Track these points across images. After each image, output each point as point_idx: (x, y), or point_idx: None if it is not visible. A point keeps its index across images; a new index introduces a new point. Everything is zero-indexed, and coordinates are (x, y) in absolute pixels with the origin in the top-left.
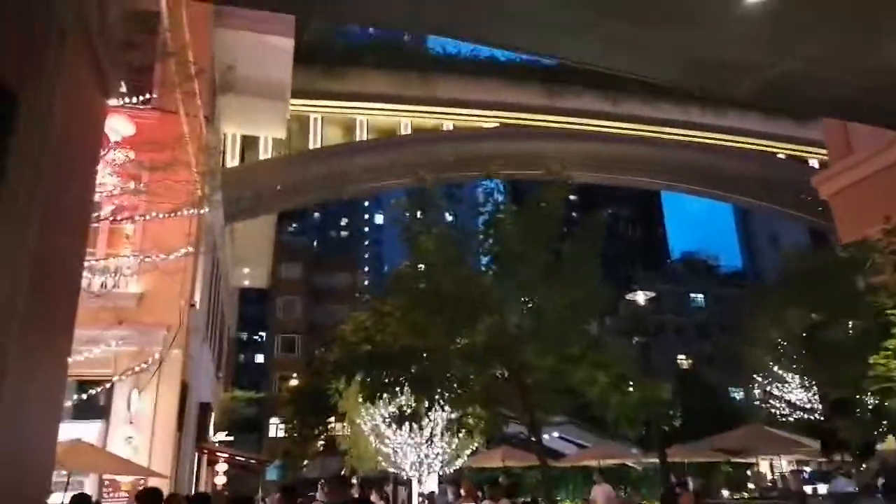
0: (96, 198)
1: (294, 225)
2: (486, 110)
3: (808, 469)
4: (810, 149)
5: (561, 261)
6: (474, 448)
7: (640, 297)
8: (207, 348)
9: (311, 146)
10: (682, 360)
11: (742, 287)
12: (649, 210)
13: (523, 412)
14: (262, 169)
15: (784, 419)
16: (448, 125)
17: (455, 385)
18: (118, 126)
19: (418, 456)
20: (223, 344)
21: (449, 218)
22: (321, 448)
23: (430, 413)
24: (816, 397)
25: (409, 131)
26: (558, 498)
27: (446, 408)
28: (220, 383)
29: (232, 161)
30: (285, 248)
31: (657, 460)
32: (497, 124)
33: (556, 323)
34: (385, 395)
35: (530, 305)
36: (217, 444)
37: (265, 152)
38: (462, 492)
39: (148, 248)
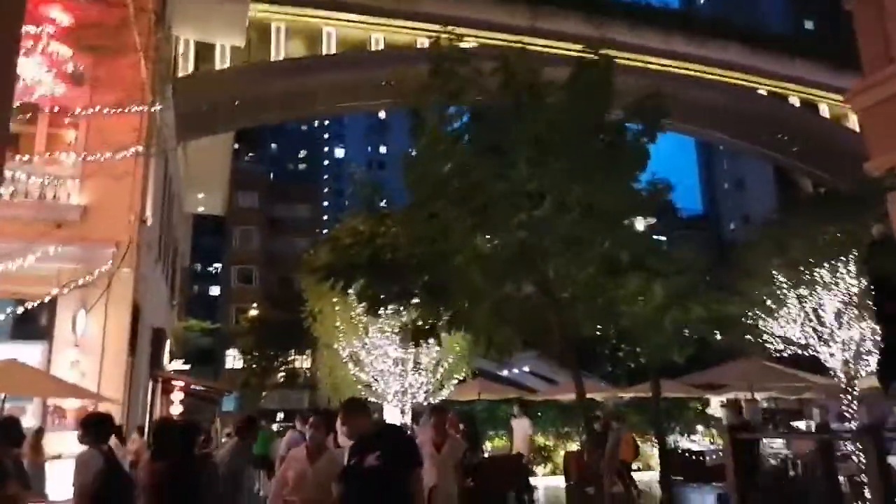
0: (35, 97)
1: (250, 154)
2: (467, 28)
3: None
4: (791, 86)
5: (613, 148)
6: (461, 378)
7: (640, 223)
8: (160, 270)
9: (272, 59)
10: None
11: (704, 231)
12: None
13: (542, 334)
14: (219, 79)
15: (778, 354)
16: (423, 43)
17: (471, 298)
18: (54, 14)
19: (402, 385)
20: (176, 270)
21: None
22: (281, 380)
23: (441, 331)
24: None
25: (381, 47)
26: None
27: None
28: (173, 311)
29: (185, 71)
30: (242, 175)
31: (630, 395)
32: (475, 45)
33: (603, 223)
34: (385, 311)
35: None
36: (172, 373)
37: (222, 62)
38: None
39: (92, 151)
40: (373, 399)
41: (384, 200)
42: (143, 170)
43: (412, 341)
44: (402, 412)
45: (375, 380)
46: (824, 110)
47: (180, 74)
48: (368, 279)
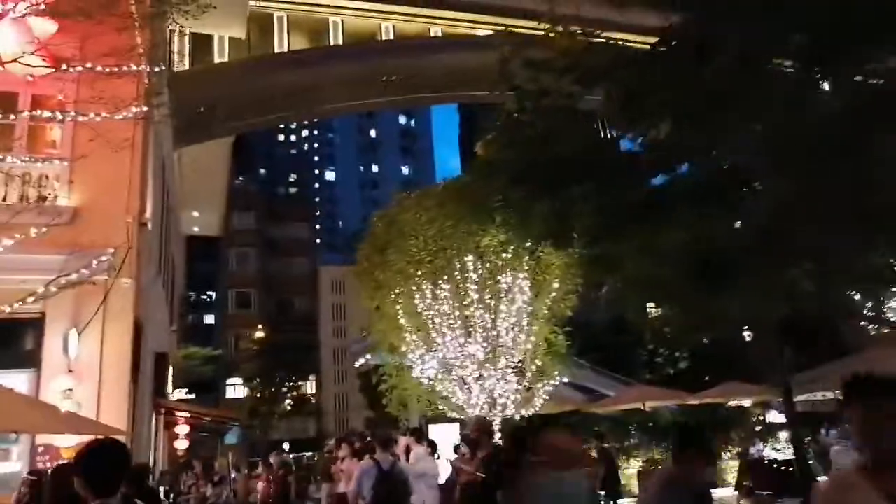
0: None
1: (240, 178)
2: (480, 14)
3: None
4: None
5: None
6: (553, 385)
7: None
8: (161, 286)
9: (275, 52)
10: None
11: None
12: None
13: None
14: (218, 74)
15: None
16: (436, 31)
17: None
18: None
19: (490, 395)
20: (175, 291)
21: None
22: (288, 408)
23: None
24: None
25: (391, 37)
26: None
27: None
28: (174, 337)
29: (180, 66)
30: (238, 195)
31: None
32: (491, 32)
33: None
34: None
35: None
36: (177, 403)
37: (220, 56)
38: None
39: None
40: (453, 413)
41: None
42: (140, 163)
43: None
44: (488, 432)
45: (460, 389)
46: None
47: (175, 70)
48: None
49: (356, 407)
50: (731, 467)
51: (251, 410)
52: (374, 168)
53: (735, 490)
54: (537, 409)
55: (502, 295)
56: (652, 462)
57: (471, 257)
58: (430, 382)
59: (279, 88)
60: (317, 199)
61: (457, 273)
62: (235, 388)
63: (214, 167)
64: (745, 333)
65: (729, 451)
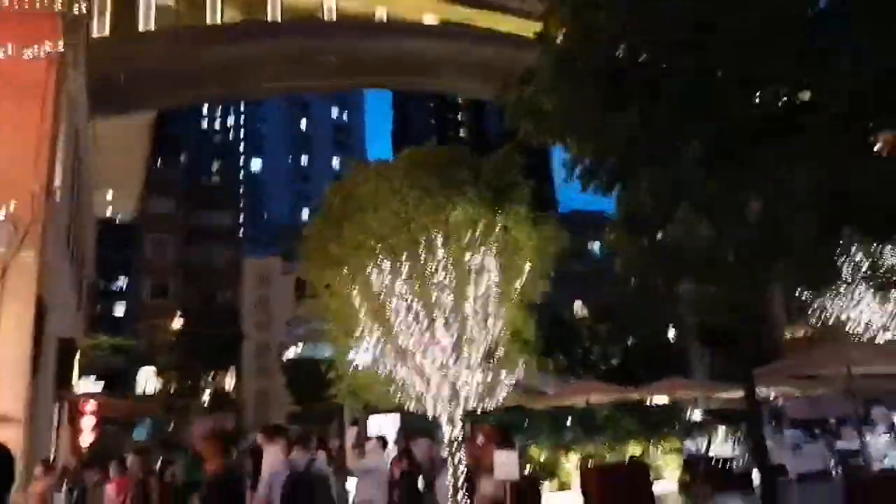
0: None
1: (160, 162)
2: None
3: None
4: None
5: None
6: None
7: None
8: (69, 265)
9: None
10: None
11: None
12: (540, 166)
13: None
14: (142, 42)
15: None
16: (381, 12)
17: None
18: None
19: (454, 386)
20: (84, 275)
21: None
22: (207, 403)
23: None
24: None
25: (333, 17)
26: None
27: None
28: (81, 322)
29: (101, 33)
30: (156, 178)
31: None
32: (436, 21)
33: None
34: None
35: None
36: (83, 395)
37: (146, 24)
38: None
39: None
40: (411, 405)
41: None
42: (51, 123)
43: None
44: (451, 422)
45: (421, 379)
46: None
47: (94, 35)
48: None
49: (279, 402)
50: (667, 463)
51: (165, 405)
52: (305, 161)
53: (679, 486)
54: (500, 401)
55: (470, 275)
56: (590, 456)
57: (438, 233)
58: (387, 370)
59: (208, 63)
60: (242, 190)
61: (421, 250)
62: (148, 381)
63: (132, 146)
64: (670, 334)
65: (661, 446)
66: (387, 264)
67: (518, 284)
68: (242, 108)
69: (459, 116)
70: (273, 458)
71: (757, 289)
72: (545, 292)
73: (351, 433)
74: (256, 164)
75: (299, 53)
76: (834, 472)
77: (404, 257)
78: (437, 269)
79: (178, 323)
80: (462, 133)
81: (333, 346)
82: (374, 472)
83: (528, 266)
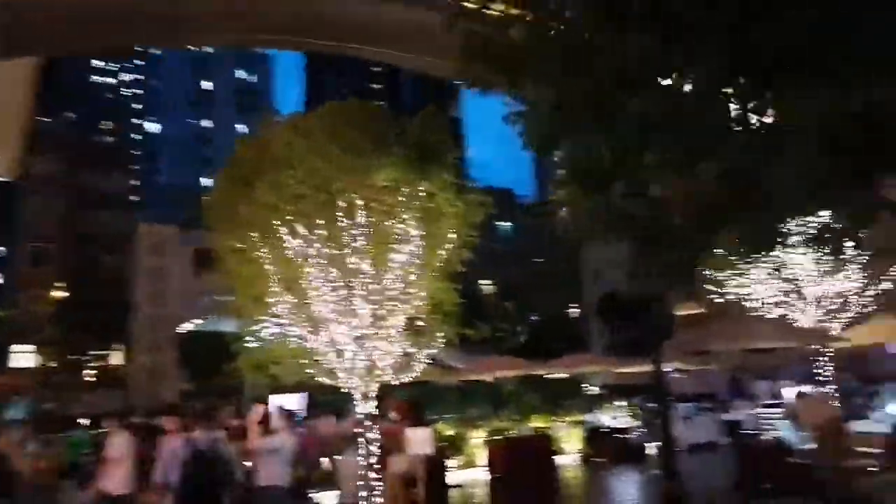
0: None
1: (46, 117)
2: None
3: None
4: None
5: None
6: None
7: None
8: None
9: None
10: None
11: (544, 216)
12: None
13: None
14: None
15: None
16: None
17: None
18: None
19: (370, 358)
20: None
21: None
22: (93, 379)
23: None
24: None
25: None
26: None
27: None
28: None
29: None
30: (41, 135)
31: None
32: None
33: None
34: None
35: None
36: None
37: None
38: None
39: None
40: (325, 380)
41: None
42: None
43: None
44: (366, 397)
45: (334, 351)
46: None
47: None
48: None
49: (172, 379)
50: (569, 435)
51: (44, 380)
52: (206, 123)
53: (581, 459)
54: (417, 375)
55: (391, 242)
56: (496, 431)
57: (359, 196)
58: (299, 342)
59: (102, 6)
60: (137, 152)
61: (340, 213)
62: (26, 355)
63: (12, 96)
64: (572, 311)
65: (565, 420)
66: (302, 228)
67: (442, 253)
68: (141, 63)
69: (374, 85)
70: (170, 437)
71: (699, 253)
72: (468, 261)
73: (255, 410)
74: (154, 125)
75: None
76: (720, 443)
77: (322, 221)
78: (357, 235)
79: (61, 293)
80: (377, 102)
81: (239, 316)
82: (279, 452)
83: (451, 235)
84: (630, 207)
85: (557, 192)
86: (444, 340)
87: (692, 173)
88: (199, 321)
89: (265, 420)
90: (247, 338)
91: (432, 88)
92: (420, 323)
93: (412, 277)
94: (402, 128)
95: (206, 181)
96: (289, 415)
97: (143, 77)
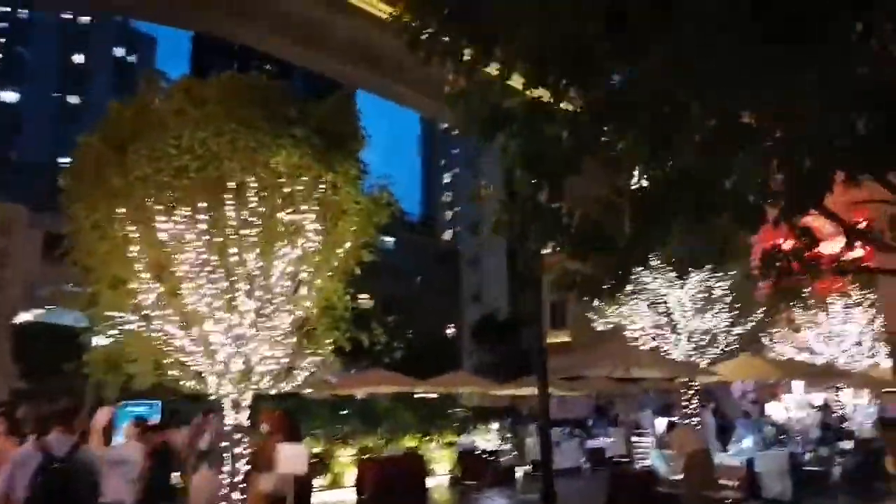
0: None
1: None
2: None
3: None
4: None
5: None
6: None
7: None
8: None
9: None
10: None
11: (430, 236)
12: None
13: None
14: None
15: None
16: None
17: None
18: None
19: (247, 363)
20: None
21: None
22: None
23: None
24: None
25: None
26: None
27: None
28: None
29: None
30: None
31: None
32: None
33: None
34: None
35: None
36: None
37: None
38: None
39: None
40: (191, 384)
41: None
42: None
43: None
44: (237, 406)
45: (205, 352)
46: None
47: None
48: None
49: (2, 375)
50: (441, 456)
51: None
52: (75, 99)
53: (450, 480)
54: (298, 384)
55: (285, 233)
56: (366, 450)
57: (253, 177)
58: (164, 339)
59: None
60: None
61: (229, 196)
62: None
63: None
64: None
65: (437, 440)
66: (182, 207)
67: (339, 253)
68: (3, 25)
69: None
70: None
71: (639, 261)
72: (371, 262)
73: (101, 413)
74: (12, 95)
75: None
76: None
77: (205, 204)
78: (245, 222)
79: None
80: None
81: (93, 304)
82: (125, 464)
83: (352, 232)
84: (574, 205)
85: (491, 187)
86: (332, 347)
87: (667, 157)
88: (40, 311)
89: (108, 426)
90: (99, 330)
91: (327, 87)
92: (309, 326)
93: (304, 275)
94: (306, 110)
95: (65, 162)
96: (142, 422)
97: (4, 40)
